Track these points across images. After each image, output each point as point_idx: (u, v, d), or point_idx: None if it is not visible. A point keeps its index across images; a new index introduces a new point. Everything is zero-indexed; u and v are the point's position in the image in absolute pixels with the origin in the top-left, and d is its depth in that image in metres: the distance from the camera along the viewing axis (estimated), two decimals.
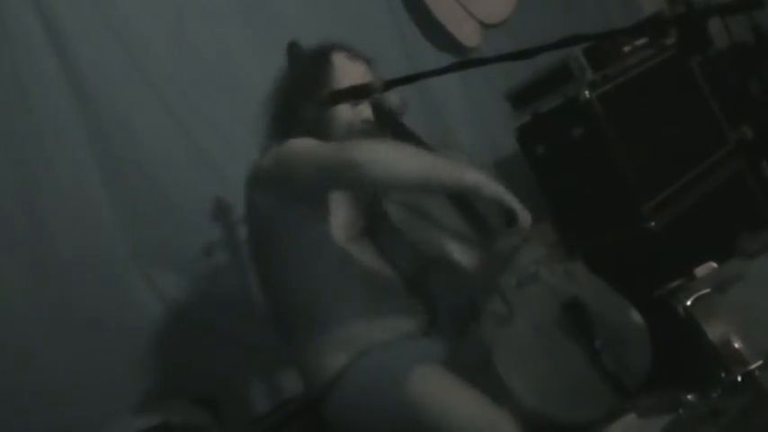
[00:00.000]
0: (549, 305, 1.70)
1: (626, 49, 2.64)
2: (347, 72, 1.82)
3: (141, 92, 2.30)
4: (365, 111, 1.84)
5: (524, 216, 1.68)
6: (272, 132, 1.84)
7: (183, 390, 2.16)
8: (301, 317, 1.75)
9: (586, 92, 2.50)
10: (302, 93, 1.81)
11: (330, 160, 1.61)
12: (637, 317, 1.78)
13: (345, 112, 1.81)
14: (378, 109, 1.85)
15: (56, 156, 2.13)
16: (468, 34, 3.16)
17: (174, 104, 2.36)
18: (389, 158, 1.58)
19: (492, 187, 1.63)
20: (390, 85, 1.72)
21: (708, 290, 1.80)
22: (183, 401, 2.08)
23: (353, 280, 1.72)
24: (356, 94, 1.76)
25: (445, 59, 3.06)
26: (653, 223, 2.46)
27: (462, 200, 1.78)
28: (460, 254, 1.72)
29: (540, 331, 1.66)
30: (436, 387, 1.63)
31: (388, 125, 1.86)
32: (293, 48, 1.90)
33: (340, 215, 1.76)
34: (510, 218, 1.67)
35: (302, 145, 1.70)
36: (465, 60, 1.71)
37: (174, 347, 2.20)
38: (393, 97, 1.86)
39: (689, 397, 1.66)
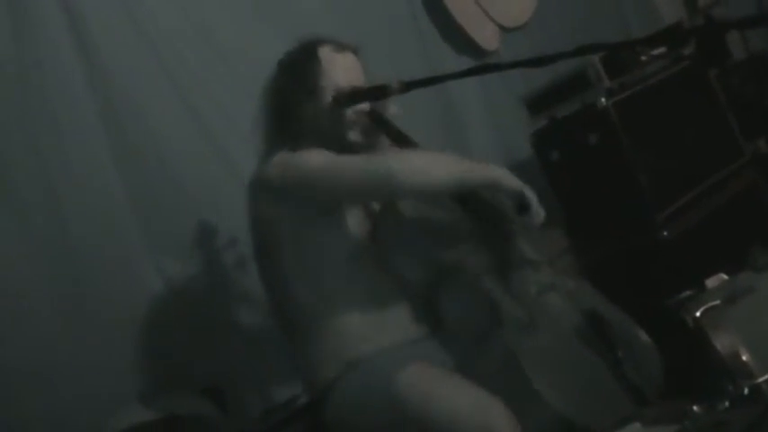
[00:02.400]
0: (568, 315, 1.70)
1: (644, 57, 2.64)
2: (336, 64, 1.79)
3: (159, 82, 2.30)
4: (364, 108, 1.82)
5: (539, 211, 1.70)
6: (269, 136, 1.83)
7: (189, 381, 2.16)
8: (302, 321, 1.74)
9: (603, 99, 2.50)
10: (295, 92, 1.78)
11: (365, 176, 1.63)
12: (644, 336, 1.77)
13: (348, 112, 1.79)
14: (377, 116, 1.83)
15: (71, 144, 2.13)
16: (487, 37, 3.16)
17: (190, 95, 2.35)
18: (423, 166, 1.61)
19: (514, 180, 1.67)
20: (409, 86, 1.72)
21: (718, 301, 1.80)
22: (189, 392, 2.08)
23: (357, 287, 1.71)
24: (375, 94, 1.76)
25: (464, 62, 3.06)
26: (665, 233, 2.46)
27: (478, 209, 1.77)
28: (478, 262, 1.71)
29: (561, 340, 1.65)
30: (421, 381, 1.61)
31: (387, 132, 1.84)
32: (287, 55, 1.86)
33: (349, 222, 1.74)
34: (523, 207, 1.69)
35: (321, 160, 1.69)
36: (483, 65, 1.73)
37: (183, 338, 2.20)
38: (392, 106, 1.86)
39: (695, 408, 1.66)
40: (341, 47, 1.83)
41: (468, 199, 1.77)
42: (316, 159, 1.69)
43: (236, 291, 2.31)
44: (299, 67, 1.80)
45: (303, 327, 1.73)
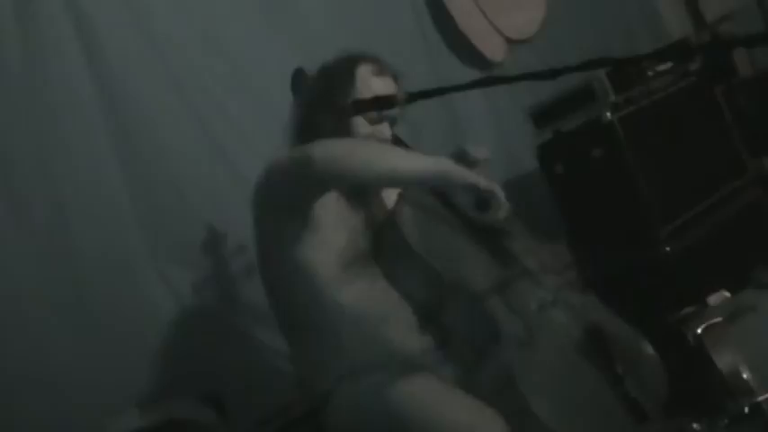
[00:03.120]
0: (569, 330, 1.68)
1: (650, 72, 2.64)
2: (369, 88, 1.76)
3: (166, 90, 2.31)
4: (385, 131, 1.80)
5: (500, 204, 1.58)
6: (292, 142, 1.81)
7: (189, 387, 2.16)
8: (302, 326, 1.73)
9: (608, 113, 2.51)
10: (322, 106, 1.76)
11: (289, 162, 1.60)
12: (649, 349, 1.76)
13: (364, 129, 1.78)
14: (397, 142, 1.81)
15: (77, 150, 2.14)
16: (493, 49, 3.16)
17: (198, 105, 2.37)
18: (349, 152, 1.57)
19: (463, 173, 1.55)
20: (413, 98, 1.68)
21: (719, 319, 1.79)
22: (190, 399, 2.08)
23: (351, 301, 1.68)
24: (379, 104, 1.72)
25: (470, 73, 3.07)
26: (668, 248, 2.46)
27: (478, 224, 1.74)
28: (479, 277, 1.68)
29: (561, 356, 1.63)
30: (422, 393, 1.60)
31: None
32: (299, 76, 1.85)
33: (338, 238, 1.70)
34: (482, 202, 1.58)
35: (277, 157, 1.68)
36: (489, 77, 1.72)
37: (184, 345, 2.21)
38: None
39: (695, 426, 1.65)
40: (382, 70, 1.80)
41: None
42: (278, 157, 1.68)
43: (238, 298, 2.32)
44: (332, 80, 1.78)
45: (303, 332, 1.72)
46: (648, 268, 2.47)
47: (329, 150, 1.57)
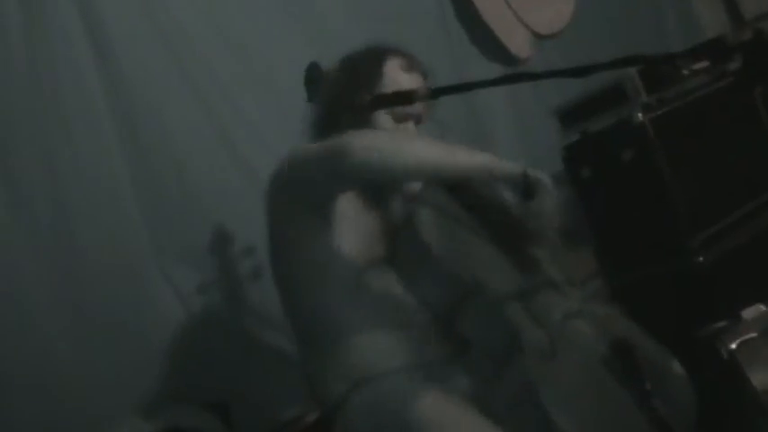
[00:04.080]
0: (594, 343, 1.66)
1: (685, 72, 2.62)
2: (398, 84, 1.75)
3: (177, 84, 2.32)
4: (410, 129, 1.80)
5: (549, 189, 1.59)
6: (312, 134, 1.81)
7: (194, 393, 2.16)
8: (310, 333, 1.73)
9: (639, 114, 2.49)
10: (345, 99, 1.76)
11: (323, 153, 1.59)
12: (678, 368, 1.75)
13: (388, 126, 1.77)
14: None
15: (83, 145, 2.14)
16: (519, 44, 3.15)
17: (210, 100, 2.37)
18: (389, 145, 1.55)
19: (507, 165, 1.58)
20: (435, 94, 1.69)
21: (755, 334, 1.78)
22: (194, 406, 2.08)
23: (366, 305, 1.68)
24: (400, 100, 1.72)
25: (494, 69, 3.06)
26: (701, 258, 2.44)
27: (501, 228, 1.75)
28: (499, 283, 1.68)
29: (585, 369, 1.62)
30: (437, 412, 1.59)
31: None
32: (313, 70, 1.83)
33: (354, 240, 1.70)
34: (527, 191, 1.58)
35: (305, 146, 1.67)
36: (514, 74, 1.72)
37: (189, 350, 2.21)
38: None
39: None
40: (412, 66, 1.80)
41: (489, 213, 1.75)
42: (298, 149, 1.67)
43: (247, 303, 2.32)
44: (357, 75, 1.77)
45: (315, 337, 1.72)
46: (679, 279, 2.46)
47: (369, 141, 1.55)
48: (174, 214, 2.27)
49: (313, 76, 1.84)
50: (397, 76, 1.78)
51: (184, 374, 2.19)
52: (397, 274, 1.71)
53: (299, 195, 1.66)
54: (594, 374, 1.61)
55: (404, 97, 1.71)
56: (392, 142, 1.57)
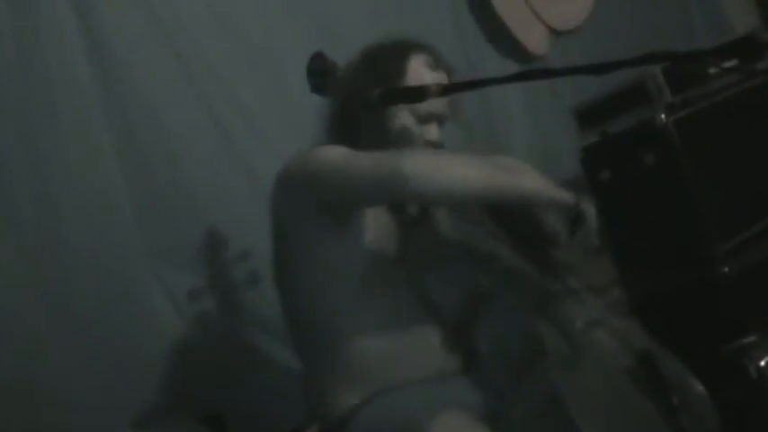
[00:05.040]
0: (618, 354, 1.67)
1: (712, 71, 2.61)
2: (422, 80, 1.75)
3: (173, 76, 2.31)
4: (432, 131, 1.80)
5: (593, 225, 1.66)
6: (327, 133, 1.81)
7: (188, 405, 2.16)
8: (315, 342, 1.72)
9: (663, 115, 2.47)
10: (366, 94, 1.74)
11: (371, 173, 1.59)
12: (699, 388, 1.74)
13: (409, 124, 1.77)
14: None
15: (72, 138, 2.14)
16: (536, 41, 3.16)
17: (209, 94, 2.36)
18: (441, 169, 1.56)
19: (557, 191, 1.62)
20: (447, 90, 1.70)
21: None
22: (188, 418, 2.09)
23: (376, 309, 1.68)
24: (411, 96, 1.73)
25: (509, 66, 3.07)
26: (726, 268, 2.41)
27: (522, 232, 1.76)
28: (519, 287, 1.68)
29: (609, 380, 1.63)
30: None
31: None
32: (319, 61, 1.82)
33: (367, 236, 1.70)
34: (575, 221, 1.64)
35: (334, 153, 1.67)
36: (530, 71, 1.70)
37: (183, 358, 2.20)
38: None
39: None
40: (437, 64, 1.80)
41: (510, 217, 1.75)
42: (332, 153, 1.67)
43: (244, 309, 2.32)
44: (380, 68, 1.77)
45: (319, 344, 1.71)
46: (703, 290, 2.44)
47: (422, 166, 1.55)
48: (168, 214, 2.26)
49: (317, 67, 1.82)
50: (422, 74, 1.78)
51: (178, 384, 2.18)
52: (409, 274, 1.71)
53: (326, 208, 1.66)
54: (619, 386, 1.62)
55: (415, 93, 1.72)
56: (447, 166, 1.57)
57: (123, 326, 2.14)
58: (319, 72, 1.81)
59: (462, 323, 1.71)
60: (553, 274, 1.75)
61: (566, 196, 1.63)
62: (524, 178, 1.62)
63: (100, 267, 2.13)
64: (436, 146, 1.79)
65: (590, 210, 1.66)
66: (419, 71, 1.78)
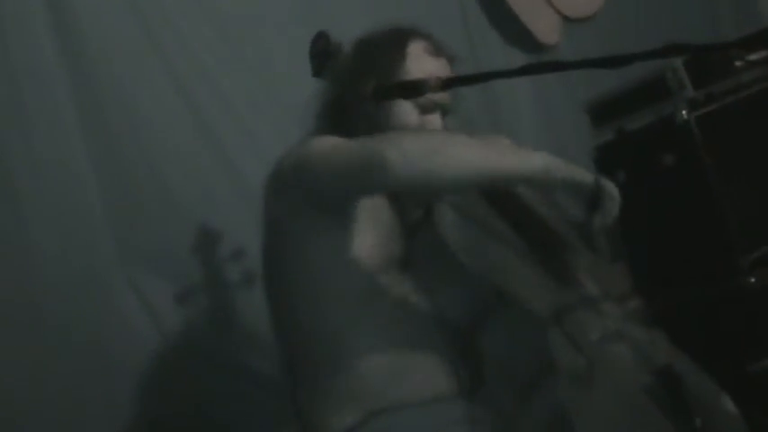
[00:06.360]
0: (635, 369, 1.66)
1: (738, 63, 2.60)
2: (424, 69, 1.76)
3: (151, 67, 2.32)
4: (435, 122, 1.80)
5: (615, 199, 1.64)
6: (320, 125, 1.81)
7: (168, 425, 2.17)
8: (308, 356, 1.72)
9: (684, 112, 2.48)
10: (363, 83, 1.74)
11: (352, 160, 1.58)
12: (730, 406, 1.73)
13: (410, 117, 1.77)
14: None
15: (38, 132, 2.13)
16: (546, 30, 3.17)
17: (189, 83, 2.37)
18: (434, 150, 1.53)
19: (568, 168, 1.60)
20: (448, 84, 1.68)
21: None
22: None
23: (377, 320, 1.67)
24: (407, 90, 1.71)
25: (516, 57, 3.07)
26: (753, 279, 2.41)
27: (533, 233, 1.75)
28: (530, 295, 1.66)
29: (626, 398, 1.61)
30: None
31: None
32: (321, 41, 1.81)
33: (369, 238, 1.70)
34: (594, 201, 1.63)
35: (322, 143, 1.67)
36: (540, 63, 1.71)
37: (161, 374, 2.20)
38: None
39: None
40: (437, 50, 1.82)
41: (520, 216, 1.75)
42: (321, 142, 1.68)
43: (229, 320, 2.32)
44: (378, 55, 1.78)
45: (310, 360, 1.71)
46: (728, 302, 2.44)
47: (407, 149, 1.52)
48: (145, 216, 2.26)
49: (320, 48, 1.81)
50: (422, 61, 1.78)
51: (155, 403, 2.18)
52: (412, 281, 1.71)
53: (317, 200, 1.65)
54: (636, 405, 1.60)
55: (411, 88, 1.70)
56: (435, 148, 1.54)
57: (94, 338, 2.13)
58: (323, 53, 1.80)
59: (468, 335, 1.71)
60: (567, 281, 1.74)
61: (582, 173, 1.62)
62: (530, 156, 1.58)
63: (68, 273, 2.12)
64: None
65: (610, 187, 1.64)
66: (419, 58, 1.79)
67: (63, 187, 2.15)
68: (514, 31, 3.12)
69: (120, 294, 2.20)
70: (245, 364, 2.31)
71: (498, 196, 1.77)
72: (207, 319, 2.30)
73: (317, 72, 1.81)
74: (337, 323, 1.67)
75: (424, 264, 1.72)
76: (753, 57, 2.63)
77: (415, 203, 1.78)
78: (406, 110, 1.77)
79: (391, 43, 1.80)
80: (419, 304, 1.70)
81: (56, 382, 2.05)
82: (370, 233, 1.70)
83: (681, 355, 1.78)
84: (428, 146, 1.56)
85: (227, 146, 2.40)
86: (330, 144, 1.66)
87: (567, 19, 3.24)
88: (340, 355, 1.67)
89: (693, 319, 2.43)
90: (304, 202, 1.66)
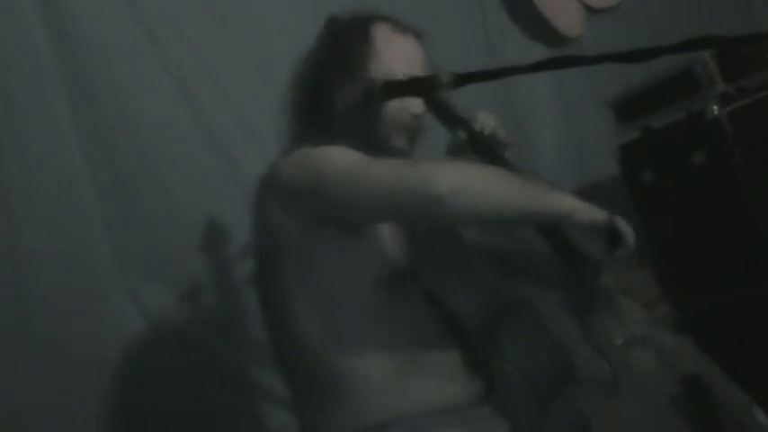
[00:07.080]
0: (661, 378, 1.66)
1: None
2: (393, 48, 1.78)
3: (146, 57, 2.32)
4: (415, 103, 1.79)
5: (630, 237, 1.68)
6: (296, 122, 1.82)
7: (166, 429, 2.17)
8: (310, 367, 1.70)
9: (715, 107, 2.48)
10: (333, 72, 1.77)
11: (396, 189, 1.59)
12: (762, 418, 1.73)
13: (392, 106, 1.77)
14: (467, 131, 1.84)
15: (30, 130, 2.13)
16: (569, 22, 3.18)
17: (188, 80, 2.37)
18: (477, 186, 1.57)
19: (588, 210, 1.65)
20: (463, 80, 1.68)
21: None
22: None
23: (382, 331, 1.66)
24: (417, 87, 1.73)
25: (537, 51, 3.07)
26: None
27: (554, 237, 1.76)
28: (549, 299, 1.67)
29: (651, 408, 1.61)
30: None
31: (476, 148, 1.84)
32: (333, 24, 1.85)
33: (381, 242, 1.70)
34: (612, 242, 1.67)
35: (345, 158, 1.66)
36: (562, 57, 1.69)
37: (158, 384, 2.20)
38: (488, 119, 1.89)
39: None
40: (403, 28, 1.83)
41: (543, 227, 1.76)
42: (342, 160, 1.66)
43: (228, 327, 2.31)
44: (343, 42, 1.80)
45: (310, 374, 1.70)
46: (761, 308, 2.43)
47: (460, 184, 1.55)
48: (142, 218, 2.26)
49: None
50: (391, 39, 1.80)
51: (152, 412, 2.18)
52: (423, 286, 1.70)
53: (334, 220, 1.66)
54: (661, 415, 1.60)
55: (423, 84, 1.71)
56: (485, 185, 1.60)
57: (88, 345, 2.13)
58: None
59: (483, 341, 1.71)
60: (592, 282, 1.75)
61: (600, 215, 1.66)
62: (556, 197, 1.65)
63: (62, 278, 2.12)
64: (418, 119, 1.82)
65: (626, 228, 1.68)
66: (386, 36, 1.80)
67: (55, 190, 2.15)
68: (534, 22, 3.12)
69: (117, 300, 2.20)
70: (241, 370, 2.31)
71: None
72: (206, 321, 2.30)
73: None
74: (341, 332, 1.67)
75: (439, 263, 1.71)
76: None
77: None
78: (398, 112, 1.78)
79: (354, 27, 1.81)
80: (426, 314, 1.70)
81: (47, 392, 2.04)
82: (379, 240, 1.70)
83: (710, 363, 1.79)
84: (478, 181, 1.59)
85: (225, 141, 2.41)
86: (353, 163, 1.65)
87: (590, 9, 3.24)
88: (345, 365, 1.66)
89: (724, 327, 2.43)
90: (316, 219, 1.66)
